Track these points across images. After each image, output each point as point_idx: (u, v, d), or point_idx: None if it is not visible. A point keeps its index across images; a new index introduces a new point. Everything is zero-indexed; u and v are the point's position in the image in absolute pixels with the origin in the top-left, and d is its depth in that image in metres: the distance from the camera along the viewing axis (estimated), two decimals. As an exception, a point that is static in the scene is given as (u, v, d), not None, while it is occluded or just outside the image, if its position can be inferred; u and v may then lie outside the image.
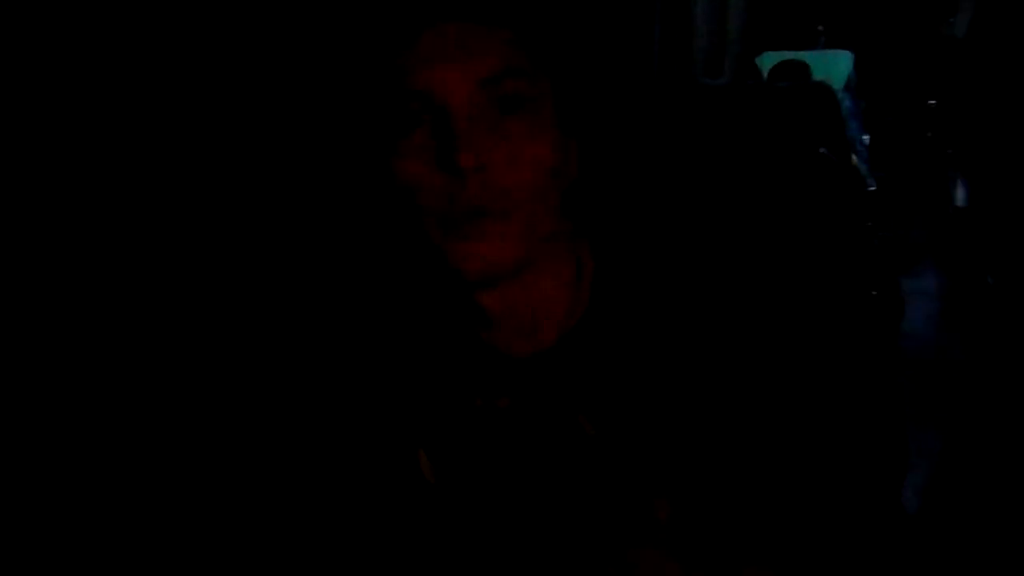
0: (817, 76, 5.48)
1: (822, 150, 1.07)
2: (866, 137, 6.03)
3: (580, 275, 0.88)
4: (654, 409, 0.84)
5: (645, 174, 0.91)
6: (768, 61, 5.61)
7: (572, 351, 0.86)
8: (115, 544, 1.18)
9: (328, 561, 0.91)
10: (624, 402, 0.84)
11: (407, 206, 0.81)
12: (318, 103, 0.91)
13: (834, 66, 5.86)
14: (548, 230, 0.83)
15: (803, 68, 5.41)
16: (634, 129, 0.92)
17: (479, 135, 0.78)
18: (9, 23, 1.15)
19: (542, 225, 0.82)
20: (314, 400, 0.92)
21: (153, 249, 1.24)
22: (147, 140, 1.25)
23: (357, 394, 0.91)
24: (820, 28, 7.04)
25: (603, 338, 0.86)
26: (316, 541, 0.91)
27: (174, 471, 1.21)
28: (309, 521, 0.92)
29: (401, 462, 0.89)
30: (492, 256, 0.80)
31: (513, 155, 0.79)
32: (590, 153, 0.86)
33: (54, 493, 1.17)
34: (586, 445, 0.84)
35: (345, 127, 0.86)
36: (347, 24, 0.84)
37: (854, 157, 5.46)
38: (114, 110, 1.22)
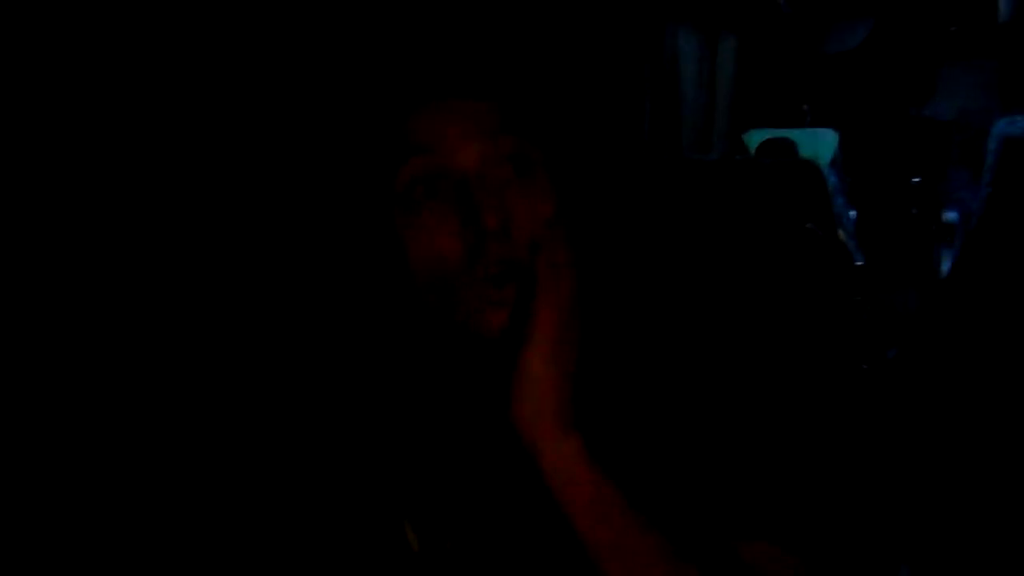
0: (804, 153, 5.56)
1: (809, 225, 1.10)
2: (853, 213, 6.10)
3: None
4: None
5: (630, 244, 0.93)
6: (755, 138, 5.70)
7: None
8: (109, 545, 1.17)
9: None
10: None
11: (421, 275, 0.83)
12: (325, 169, 0.94)
13: (820, 144, 5.95)
14: None
15: (790, 145, 5.49)
16: (622, 199, 0.94)
17: (497, 194, 0.81)
18: (9, 23, 1.17)
19: None
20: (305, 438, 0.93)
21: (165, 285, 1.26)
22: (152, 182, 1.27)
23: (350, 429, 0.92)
24: (805, 107, 7.16)
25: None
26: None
27: (164, 497, 1.20)
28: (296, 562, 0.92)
29: (387, 533, 0.90)
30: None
31: (527, 213, 0.82)
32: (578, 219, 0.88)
33: (49, 493, 1.16)
34: None
35: (356, 198, 0.88)
36: (356, 97, 0.87)
37: (841, 232, 5.52)
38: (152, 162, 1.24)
